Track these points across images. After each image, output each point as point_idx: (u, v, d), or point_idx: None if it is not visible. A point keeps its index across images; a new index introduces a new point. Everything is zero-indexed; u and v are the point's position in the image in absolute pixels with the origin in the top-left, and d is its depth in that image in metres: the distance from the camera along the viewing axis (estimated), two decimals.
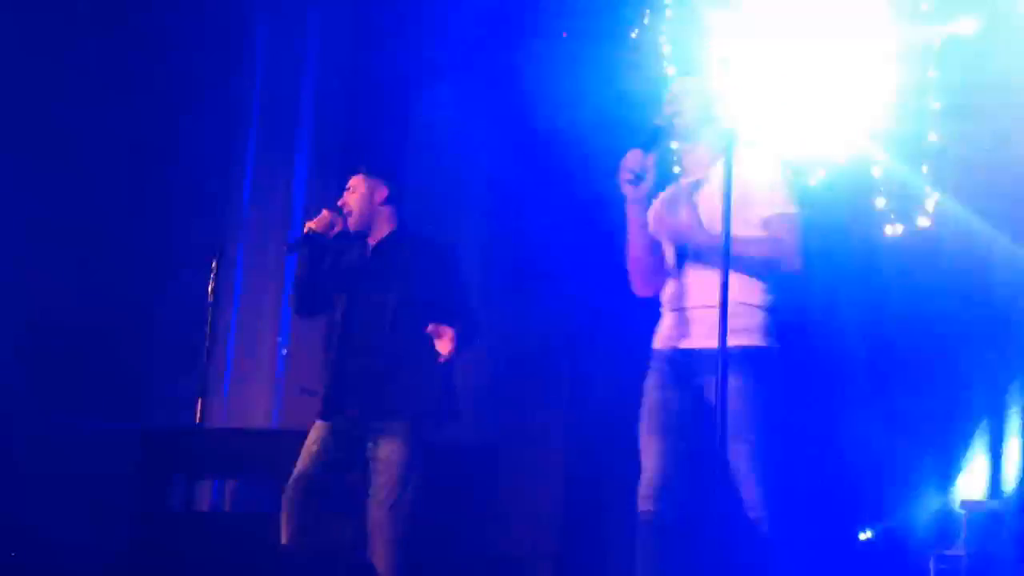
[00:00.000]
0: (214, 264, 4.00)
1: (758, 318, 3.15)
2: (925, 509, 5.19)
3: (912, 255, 5.11)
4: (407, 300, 3.59)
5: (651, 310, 5.68)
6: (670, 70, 5.64)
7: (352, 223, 3.69)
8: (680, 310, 3.25)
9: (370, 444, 3.55)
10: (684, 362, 3.19)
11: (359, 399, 3.60)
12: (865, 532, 5.10)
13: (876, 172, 5.20)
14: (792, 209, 3.24)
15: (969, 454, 5.16)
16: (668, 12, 5.67)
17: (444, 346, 3.45)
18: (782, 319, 3.28)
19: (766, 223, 3.18)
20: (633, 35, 5.76)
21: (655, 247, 3.34)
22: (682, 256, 3.31)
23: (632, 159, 3.23)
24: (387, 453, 3.52)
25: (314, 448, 3.59)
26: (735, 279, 3.08)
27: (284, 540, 3.55)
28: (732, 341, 3.03)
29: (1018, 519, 5.00)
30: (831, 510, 4.87)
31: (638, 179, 3.20)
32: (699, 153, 3.37)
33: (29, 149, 5.79)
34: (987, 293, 5.07)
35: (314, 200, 6.13)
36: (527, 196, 6.08)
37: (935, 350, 5.17)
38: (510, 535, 5.54)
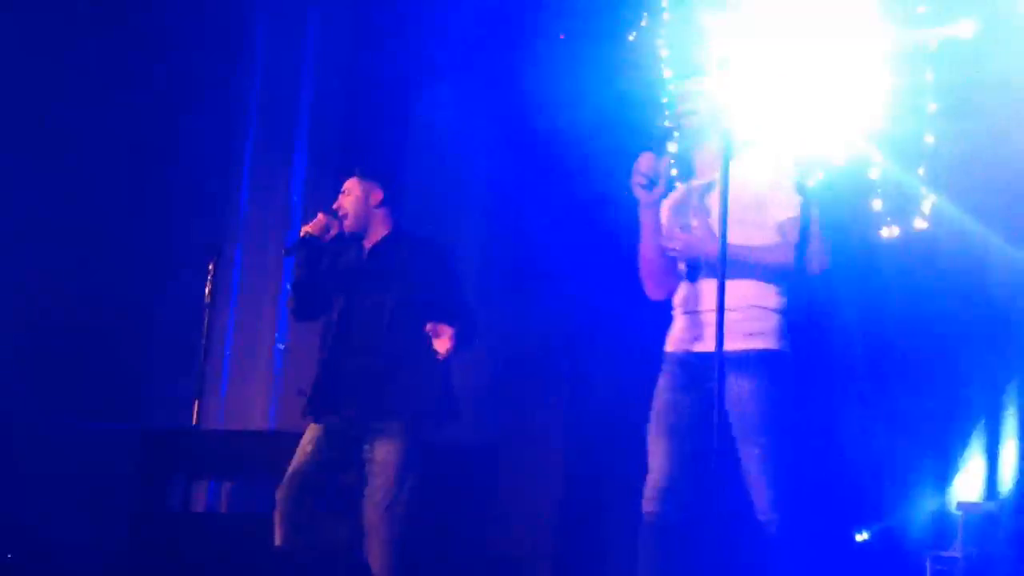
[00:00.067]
0: (212, 265, 4.00)
1: (772, 321, 3.14)
2: (921, 510, 5.20)
3: (909, 256, 5.11)
4: (404, 301, 3.60)
5: (650, 311, 5.68)
6: (667, 72, 5.65)
7: (348, 225, 3.69)
8: (694, 313, 3.22)
9: (366, 445, 3.56)
10: (697, 365, 3.17)
11: (356, 400, 3.60)
12: (862, 533, 5.11)
13: (873, 174, 5.20)
14: (812, 211, 3.22)
15: (966, 455, 5.16)
16: (665, 15, 5.67)
17: (442, 344, 3.46)
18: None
19: (783, 226, 3.16)
20: (631, 37, 5.77)
21: (667, 250, 3.29)
22: (695, 262, 3.28)
23: (645, 162, 3.20)
24: (383, 454, 3.53)
25: (308, 447, 3.60)
26: (749, 283, 3.08)
27: (278, 539, 3.55)
28: (747, 345, 3.04)
29: (1014, 520, 5.01)
30: (829, 511, 4.87)
31: (652, 183, 3.17)
32: (709, 154, 3.33)
33: (27, 149, 5.80)
34: (984, 294, 5.07)
35: (312, 201, 6.13)
36: (526, 197, 6.08)
37: (932, 351, 5.17)
38: (508, 535, 5.55)
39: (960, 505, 5.09)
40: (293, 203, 6.40)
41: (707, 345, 3.14)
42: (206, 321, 3.99)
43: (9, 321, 5.70)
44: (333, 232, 3.70)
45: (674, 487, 3.09)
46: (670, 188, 3.49)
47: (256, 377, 6.22)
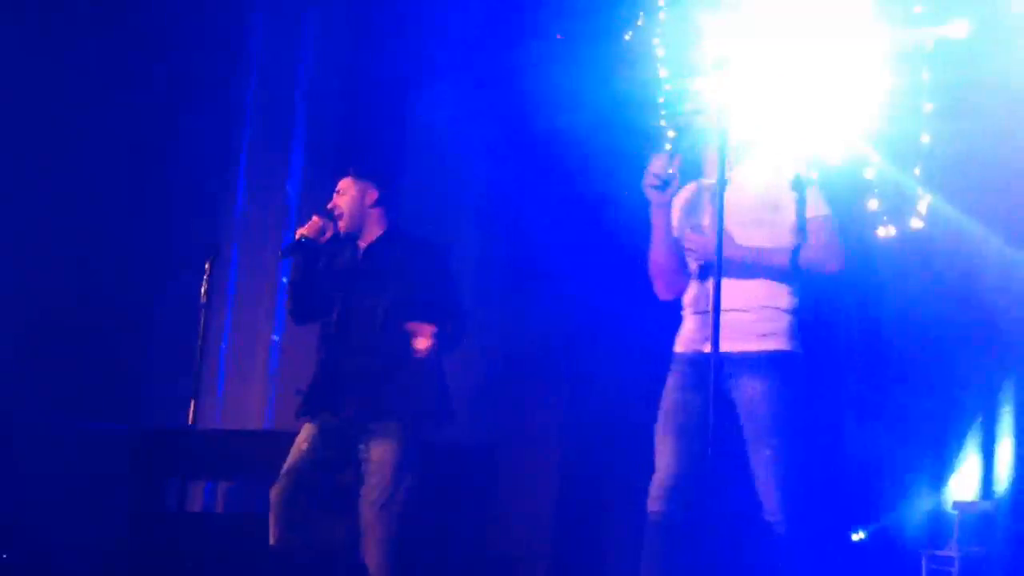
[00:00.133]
0: (208, 265, 4.00)
1: (784, 322, 3.12)
2: (917, 509, 5.21)
3: (905, 256, 5.11)
4: (399, 301, 3.60)
5: (649, 311, 5.69)
6: (663, 72, 5.65)
7: (343, 225, 3.69)
8: (705, 313, 3.20)
9: (363, 444, 3.56)
10: (708, 365, 3.11)
11: (352, 399, 3.60)
12: (858, 533, 5.11)
13: (869, 174, 5.20)
14: (826, 210, 3.21)
15: (961, 455, 5.17)
16: (662, 14, 5.67)
17: (421, 343, 3.45)
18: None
19: (810, 226, 3.13)
20: (627, 37, 5.77)
21: (678, 250, 3.26)
22: (707, 262, 3.26)
23: (657, 163, 3.16)
24: (380, 454, 3.53)
25: (304, 446, 3.60)
26: (761, 283, 3.08)
27: (272, 537, 3.55)
28: (760, 346, 3.04)
29: (1010, 520, 5.01)
30: (827, 511, 4.88)
31: (664, 184, 3.15)
32: (730, 150, 3.29)
33: (24, 149, 5.79)
34: (980, 295, 5.08)
35: (309, 201, 6.14)
36: (523, 197, 6.08)
37: (928, 351, 5.18)
38: (506, 536, 5.55)
39: (956, 504, 5.10)
40: (290, 203, 6.40)
41: (720, 346, 3.11)
42: (202, 321, 3.99)
43: (5, 321, 5.70)
44: (329, 234, 3.70)
45: (679, 486, 3.07)
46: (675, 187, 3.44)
47: (253, 377, 6.22)
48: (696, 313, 3.22)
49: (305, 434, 3.64)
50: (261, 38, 6.64)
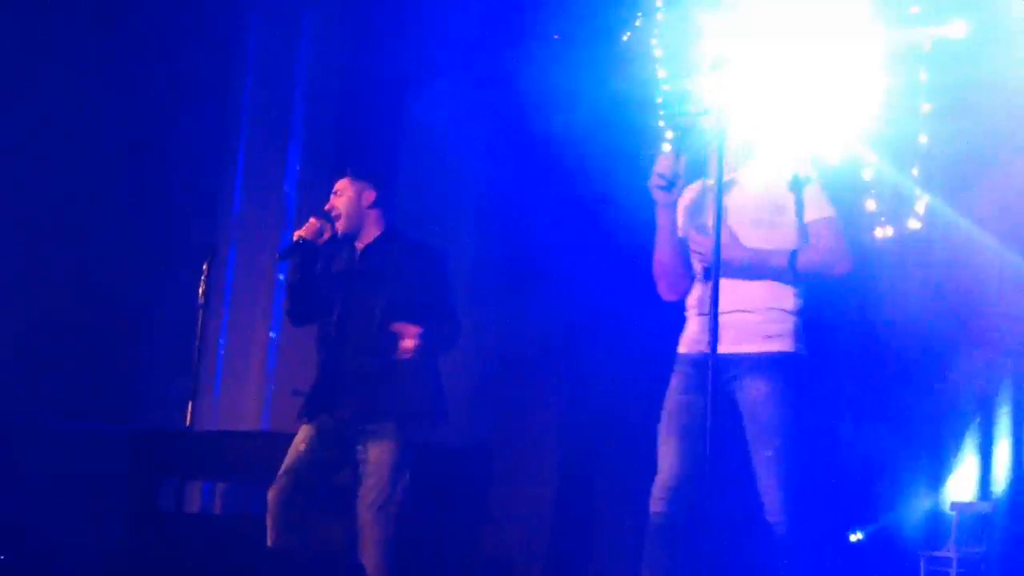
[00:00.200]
0: (206, 265, 3.99)
1: (789, 323, 3.10)
2: (915, 510, 5.21)
3: (903, 258, 5.12)
4: (394, 302, 3.59)
5: (647, 311, 5.69)
6: (662, 73, 5.65)
7: (340, 226, 3.69)
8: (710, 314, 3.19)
9: (359, 445, 3.55)
10: (713, 366, 3.14)
11: (350, 401, 3.60)
12: (856, 534, 5.11)
13: (867, 174, 5.20)
14: (831, 212, 3.19)
15: (959, 456, 5.17)
16: (660, 15, 5.67)
17: (406, 344, 3.44)
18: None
19: (813, 228, 3.11)
20: (625, 37, 5.77)
21: (683, 250, 3.24)
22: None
23: (663, 163, 3.12)
24: (376, 454, 3.52)
25: (301, 447, 3.59)
26: (767, 284, 3.07)
27: (270, 539, 3.55)
28: (765, 347, 3.02)
29: (1008, 521, 5.01)
30: (825, 512, 4.88)
31: (670, 184, 3.12)
32: (733, 152, 3.26)
33: (20, 149, 5.78)
34: (977, 296, 5.08)
35: (306, 201, 6.13)
36: (520, 197, 6.08)
37: (925, 353, 5.17)
38: (502, 537, 5.55)
39: (954, 505, 5.10)
40: (287, 203, 6.40)
41: (724, 346, 3.09)
42: (200, 322, 3.98)
43: (3, 321, 5.69)
44: (327, 235, 3.69)
45: (682, 488, 3.05)
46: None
47: (250, 378, 6.21)
48: (701, 314, 3.19)
49: (303, 435, 3.64)
50: (259, 38, 6.63)
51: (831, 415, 4.99)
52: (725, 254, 3.09)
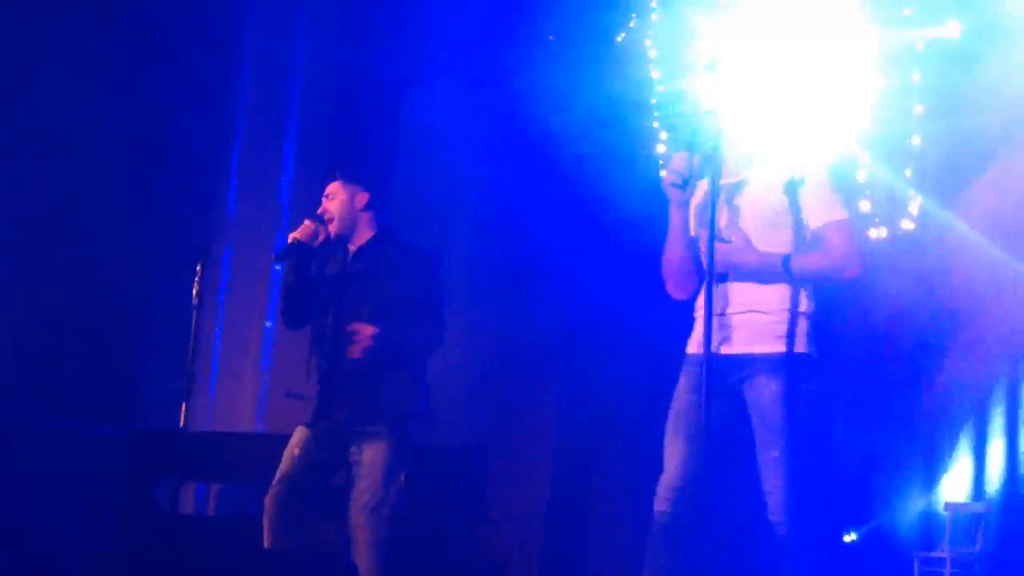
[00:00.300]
0: (200, 266, 3.98)
1: (802, 325, 3.07)
2: (909, 511, 5.23)
3: (897, 258, 5.13)
4: (386, 303, 3.58)
5: (644, 312, 5.70)
6: (656, 74, 5.66)
7: (334, 229, 3.67)
8: (720, 315, 3.12)
9: (353, 447, 3.55)
10: (721, 367, 3.08)
11: (344, 403, 3.60)
12: (850, 534, 5.13)
13: (860, 176, 5.22)
14: (844, 215, 3.16)
15: (953, 457, 5.19)
16: (654, 16, 5.68)
17: (356, 346, 3.43)
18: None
19: (819, 234, 3.09)
20: (619, 38, 5.78)
21: (694, 250, 3.23)
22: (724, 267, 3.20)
23: (678, 161, 3.07)
24: (370, 456, 3.52)
25: (296, 451, 3.58)
26: (781, 286, 3.05)
27: (266, 541, 3.54)
28: (777, 347, 3.01)
29: (1001, 521, 5.03)
30: (821, 512, 4.89)
31: (685, 183, 3.08)
32: (739, 152, 3.23)
33: (16, 149, 5.77)
34: (971, 297, 5.10)
35: (301, 201, 6.12)
36: (516, 198, 6.08)
37: (920, 354, 5.19)
38: (498, 538, 5.55)
39: (948, 506, 5.12)
40: (281, 204, 6.39)
41: (734, 347, 3.10)
42: (194, 322, 3.97)
43: None
44: (321, 238, 3.68)
45: (687, 488, 3.03)
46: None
47: (244, 378, 6.20)
48: (711, 315, 3.17)
49: (297, 439, 3.63)
50: (254, 39, 6.62)
51: (827, 416, 5.01)
52: (738, 258, 3.10)
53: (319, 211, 3.69)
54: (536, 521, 5.80)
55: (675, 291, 3.26)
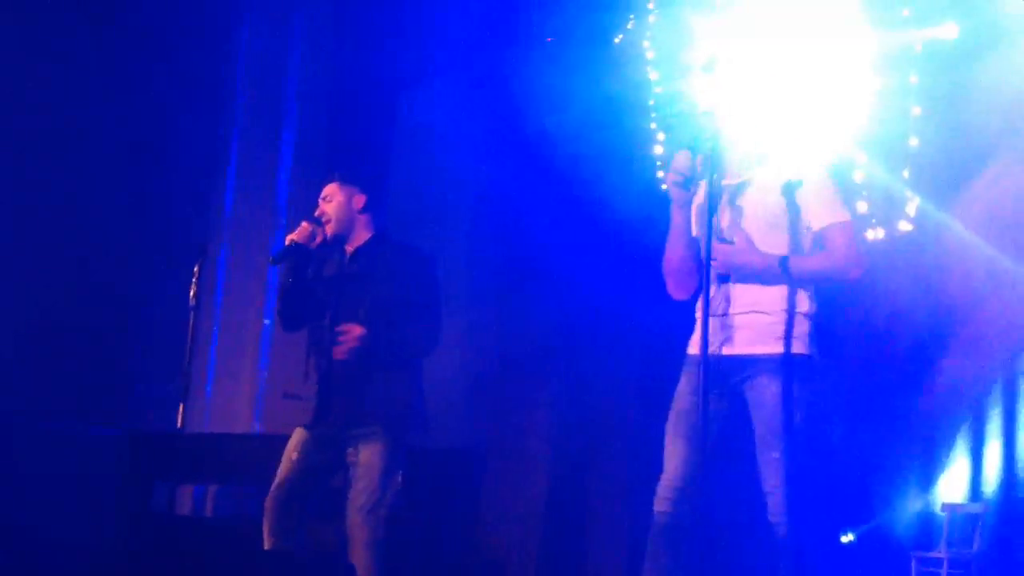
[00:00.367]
0: (197, 266, 3.98)
1: (804, 326, 3.07)
2: (907, 511, 5.23)
3: (894, 260, 5.13)
4: (382, 304, 3.58)
5: (642, 314, 5.71)
6: (653, 74, 5.66)
7: (331, 230, 3.67)
8: (722, 316, 3.13)
9: (350, 449, 3.55)
10: (723, 368, 3.10)
11: (341, 405, 3.60)
12: (847, 535, 5.13)
13: (857, 176, 5.22)
14: (845, 217, 3.15)
15: (950, 457, 5.19)
16: (652, 17, 5.69)
17: (343, 345, 3.42)
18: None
19: (821, 235, 3.09)
20: (617, 40, 5.78)
21: (696, 249, 3.20)
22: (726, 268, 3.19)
23: (681, 160, 3.06)
24: (366, 457, 3.52)
25: (295, 454, 3.58)
26: (783, 287, 3.05)
27: (266, 543, 3.54)
28: (778, 348, 3.01)
29: (998, 521, 5.04)
30: (817, 512, 4.89)
31: (688, 182, 3.07)
32: (739, 154, 3.23)
33: (13, 150, 5.76)
34: (968, 298, 5.10)
35: (298, 202, 6.12)
36: (515, 200, 6.09)
37: (917, 355, 5.20)
38: (495, 539, 5.55)
39: (945, 506, 5.12)
40: (279, 204, 6.39)
41: (736, 348, 3.10)
42: (191, 323, 3.96)
43: None
44: (318, 239, 3.68)
45: (688, 488, 3.03)
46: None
47: (242, 379, 6.20)
48: (712, 316, 3.16)
49: (295, 441, 3.63)
50: (251, 40, 6.62)
51: (826, 416, 5.01)
52: (740, 259, 3.09)
53: (316, 213, 3.69)
54: (534, 522, 5.80)
55: (676, 291, 3.25)
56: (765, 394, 3.05)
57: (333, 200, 3.70)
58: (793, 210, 3.10)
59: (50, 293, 5.72)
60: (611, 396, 5.84)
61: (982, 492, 5.15)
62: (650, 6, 5.68)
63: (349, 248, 3.71)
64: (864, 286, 5.11)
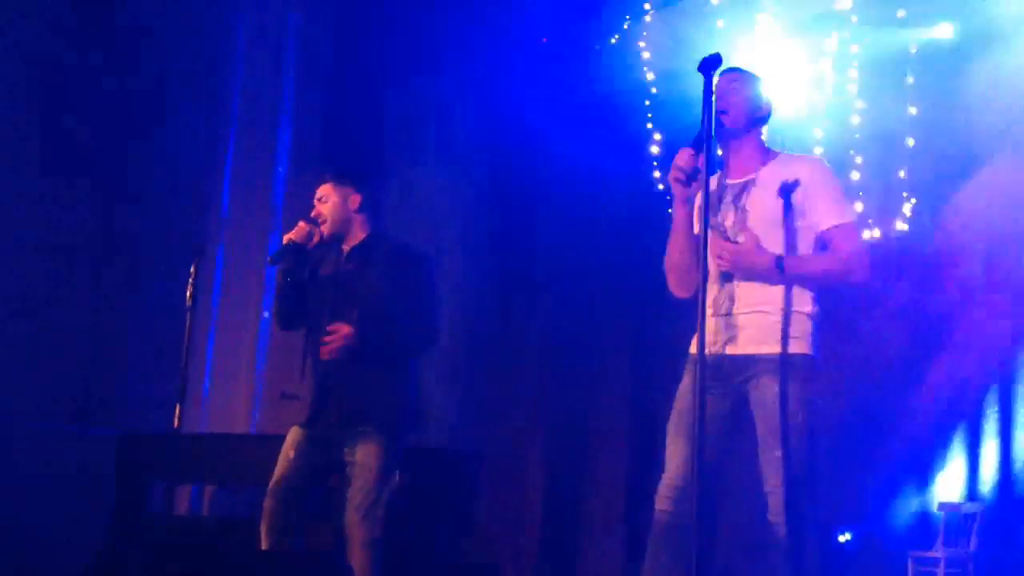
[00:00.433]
0: (194, 267, 3.97)
1: (808, 326, 3.06)
2: (903, 511, 5.23)
3: (891, 260, 5.14)
4: (375, 304, 3.58)
5: (640, 317, 5.71)
6: (650, 75, 5.67)
7: (327, 230, 3.67)
8: (724, 316, 3.12)
9: (346, 448, 3.54)
10: (726, 367, 3.09)
11: (337, 404, 3.59)
12: (844, 534, 5.13)
13: (854, 177, 5.23)
14: (851, 217, 3.14)
15: (947, 457, 5.20)
16: (647, 17, 5.69)
17: (330, 343, 3.42)
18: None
19: (827, 236, 3.07)
20: (613, 40, 5.79)
21: (697, 247, 3.14)
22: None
23: (683, 158, 3.03)
24: (363, 457, 3.51)
25: (291, 454, 3.58)
26: (787, 287, 3.04)
27: (264, 543, 3.54)
28: (781, 348, 3.00)
29: (995, 521, 5.04)
30: (817, 512, 4.88)
31: (689, 179, 3.05)
32: (746, 152, 3.19)
33: (9, 149, 5.75)
34: (965, 299, 5.11)
35: (294, 202, 6.11)
36: (512, 200, 6.09)
37: (914, 355, 5.20)
38: (492, 540, 5.55)
39: (942, 506, 5.13)
40: (275, 205, 6.38)
41: (739, 347, 3.09)
42: (188, 323, 3.95)
43: None
44: (316, 239, 3.68)
45: (688, 487, 3.01)
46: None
47: (239, 380, 6.19)
48: (716, 315, 3.15)
49: (291, 440, 3.62)
50: (247, 40, 6.61)
51: (825, 417, 5.01)
52: (747, 259, 3.08)
53: (312, 214, 3.68)
54: (531, 522, 5.80)
55: (677, 289, 3.24)
56: (767, 394, 3.04)
57: (328, 200, 3.70)
58: (797, 210, 3.09)
59: (48, 293, 5.71)
60: (610, 396, 5.84)
61: (979, 491, 5.15)
62: (646, 7, 5.69)
63: (345, 247, 3.71)
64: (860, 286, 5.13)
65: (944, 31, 5.17)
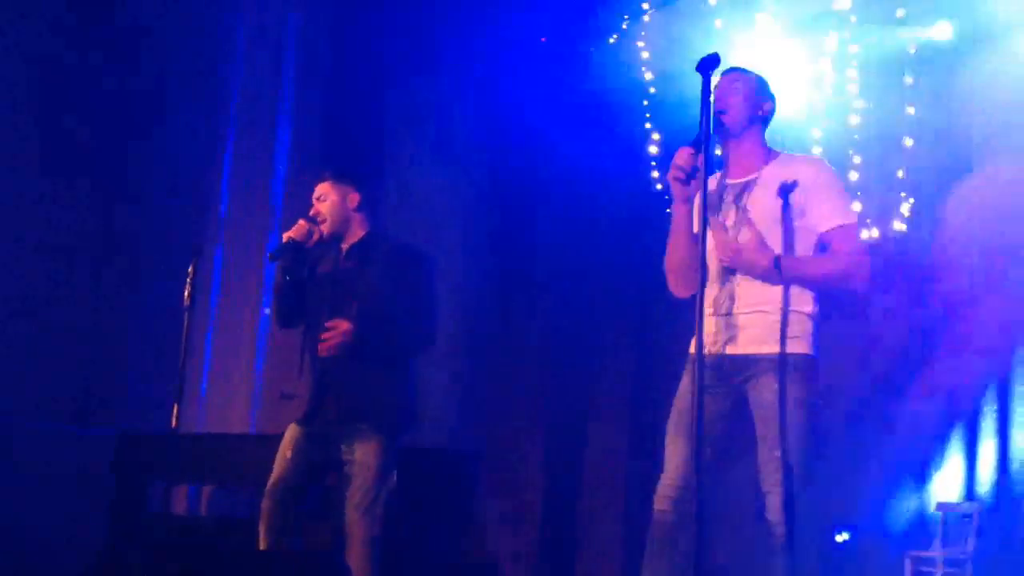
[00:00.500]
0: (192, 267, 3.97)
1: (807, 326, 3.06)
2: (901, 510, 5.24)
3: (889, 260, 5.14)
4: (373, 303, 3.59)
5: (639, 318, 5.71)
6: (648, 75, 5.67)
7: (327, 229, 3.68)
8: (724, 316, 3.12)
9: (344, 446, 3.55)
10: (726, 367, 3.09)
11: (336, 401, 3.60)
12: (842, 534, 5.13)
13: (852, 176, 5.24)
14: (852, 219, 3.13)
15: (944, 456, 5.20)
16: (646, 17, 5.69)
17: (329, 339, 3.42)
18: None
19: (827, 238, 3.07)
20: (612, 40, 5.79)
21: (697, 245, 3.13)
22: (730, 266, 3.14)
23: (682, 157, 3.02)
24: (361, 455, 3.52)
25: (289, 453, 3.58)
26: (788, 287, 3.03)
27: (262, 543, 3.54)
28: (781, 348, 2.99)
29: (993, 521, 5.04)
30: (815, 511, 4.88)
31: (688, 178, 3.04)
32: (746, 152, 3.19)
33: (9, 149, 5.75)
34: (963, 299, 5.11)
35: (293, 202, 6.11)
36: (510, 202, 6.09)
37: (912, 355, 5.20)
38: (490, 540, 5.55)
39: (940, 505, 5.13)
40: (274, 205, 6.38)
41: (739, 347, 3.08)
42: (186, 323, 3.96)
43: None
44: (315, 238, 3.68)
45: (688, 487, 3.01)
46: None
47: (237, 379, 6.19)
48: (717, 315, 3.14)
49: (289, 439, 3.63)
50: (246, 40, 6.61)
51: (825, 417, 5.00)
52: (749, 255, 3.07)
53: (311, 213, 3.69)
54: (531, 522, 5.80)
55: (677, 288, 3.23)
56: (767, 394, 3.04)
57: (327, 199, 3.70)
58: (797, 210, 3.08)
59: (46, 293, 5.71)
60: (610, 396, 5.84)
61: (977, 491, 5.15)
62: (644, 6, 5.69)
63: (344, 246, 3.72)
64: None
65: (943, 31, 5.17)
